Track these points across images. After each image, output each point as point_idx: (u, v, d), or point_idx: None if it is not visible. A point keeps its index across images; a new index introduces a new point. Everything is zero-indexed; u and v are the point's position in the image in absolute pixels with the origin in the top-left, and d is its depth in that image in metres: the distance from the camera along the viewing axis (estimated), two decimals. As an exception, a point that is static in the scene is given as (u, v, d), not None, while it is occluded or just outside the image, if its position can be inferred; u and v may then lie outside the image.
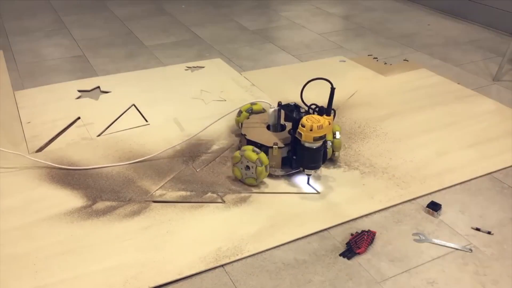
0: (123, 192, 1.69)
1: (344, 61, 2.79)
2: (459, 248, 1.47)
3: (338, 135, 1.77)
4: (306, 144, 1.63)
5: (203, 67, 2.69)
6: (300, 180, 1.75)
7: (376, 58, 2.84)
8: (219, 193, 1.68)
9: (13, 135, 2.01)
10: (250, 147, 1.71)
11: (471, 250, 1.46)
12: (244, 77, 2.56)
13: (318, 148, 1.64)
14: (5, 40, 3.05)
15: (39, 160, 1.80)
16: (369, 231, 1.51)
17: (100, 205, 1.62)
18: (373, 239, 1.49)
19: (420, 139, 2.01)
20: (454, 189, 1.73)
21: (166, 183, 1.73)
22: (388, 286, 1.34)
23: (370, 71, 2.65)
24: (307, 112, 1.73)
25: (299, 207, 1.63)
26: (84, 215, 1.57)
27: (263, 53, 2.92)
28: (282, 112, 1.82)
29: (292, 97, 2.30)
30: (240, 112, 1.98)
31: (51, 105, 2.25)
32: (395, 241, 1.50)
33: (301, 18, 3.54)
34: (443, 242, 1.49)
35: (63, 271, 1.36)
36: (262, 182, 1.72)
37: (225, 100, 2.31)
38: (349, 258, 1.42)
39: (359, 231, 1.51)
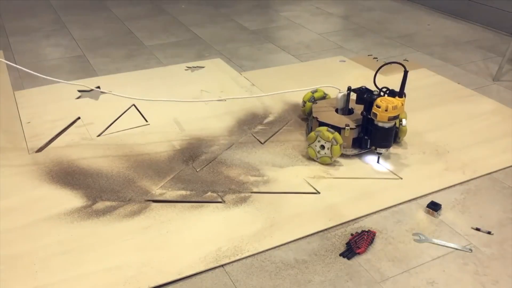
0: (123, 192, 1.69)
1: (344, 61, 2.79)
2: (459, 248, 1.47)
3: (404, 123, 1.90)
4: (380, 124, 1.75)
5: (203, 67, 2.69)
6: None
7: (376, 58, 2.84)
8: (219, 193, 1.68)
9: (13, 135, 2.01)
10: (325, 127, 1.81)
11: (471, 250, 1.46)
12: (244, 77, 2.56)
13: (390, 128, 1.76)
14: (5, 40, 3.05)
15: (39, 160, 1.80)
16: (369, 231, 1.51)
17: (100, 205, 1.62)
18: (373, 239, 1.49)
19: (421, 138, 2.01)
20: (454, 189, 1.73)
21: (166, 183, 1.73)
22: (388, 286, 1.34)
23: (370, 71, 2.64)
24: (379, 95, 1.80)
25: (299, 207, 1.63)
26: (84, 215, 1.57)
27: (263, 53, 2.92)
28: (351, 95, 1.90)
29: (292, 97, 2.31)
30: (315, 90, 2.10)
31: (51, 105, 2.25)
32: (395, 241, 1.50)
33: (301, 18, 3.55)
34: (443, 242, 1.49)
35: (63, 271, 1.36)
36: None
37: (225, 100, 2.31)
38: (349, 258, 1.42)
39: (359, 231, 1.51)
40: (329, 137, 1.77)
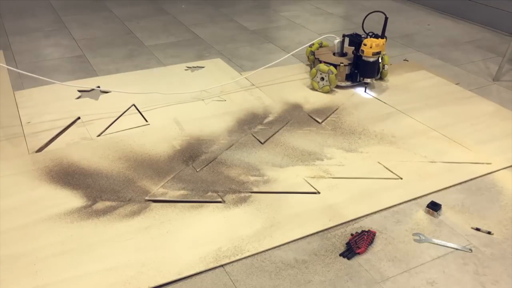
0: (123, 192, 1.69)
1: (344, 61, 2.79)
2: (459, 248, 1.47)
3: (386, 68, 2.44)
4: (366, 58, 2.29)
5: (203, 67, 2.69)
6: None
7: (376, 58, 2.84)
8: (219, 193, 1.68)
9: (13, 135, 2.01)
10: (322, 64, 2.36)
11: (471, 250, 1.46)
12: (244, 77, 2.56)
13: (374, 62, 2.32)
14: (5, 40, 3.05)
15: (39, 160, 1.80)
16: (369, 231, 1.51)
17: (100, 205, 1.62)
18: (373, 239, 1.49)
19: (420, 139, 2.01)
20: (454, 189, 1.73)
21: (166, 183, 1.73)
22: (388, 286, 1.34)
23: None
24: (366, 37, 2.33)
25: (299, 207, 1.63)
26: (84, 215, 1.58)
27: (263, 53, 2.92)
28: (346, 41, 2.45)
29: (292, 97, 2.31)
30: (312, 44, 2.62)
31: (51, 105, 2.25)
32: (395, 241, 1.50)
33: (301, 18, 3.54)
34: (443, 242, 1.49)
35: (63, 271, 1.36)
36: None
37: (225, 100, 2.31)
38: (349, 258, 1.42)
39: (359, 231, 1.51)
40: (325, 69, 2.32)
